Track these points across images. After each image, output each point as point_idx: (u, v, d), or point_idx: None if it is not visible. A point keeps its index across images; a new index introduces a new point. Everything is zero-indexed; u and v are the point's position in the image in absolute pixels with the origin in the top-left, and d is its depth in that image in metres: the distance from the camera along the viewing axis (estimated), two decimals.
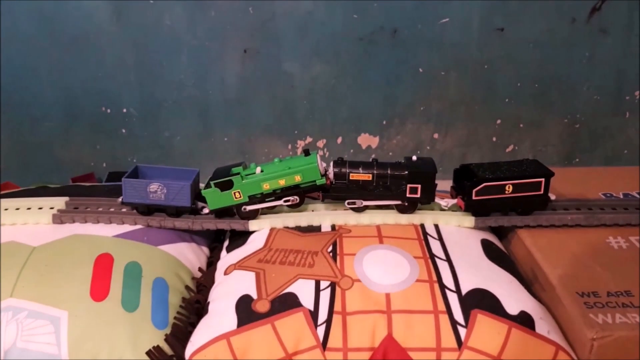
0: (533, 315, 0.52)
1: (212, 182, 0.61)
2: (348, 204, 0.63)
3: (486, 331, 0.50)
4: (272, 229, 0.62)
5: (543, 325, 0.52)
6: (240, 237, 0.63)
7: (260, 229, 0.62)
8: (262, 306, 0.50)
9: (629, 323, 0.50)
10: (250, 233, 0.62)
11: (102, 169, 1.00)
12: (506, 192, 0.62)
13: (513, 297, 0.54)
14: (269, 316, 0.50)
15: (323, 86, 0.96)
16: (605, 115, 1.02)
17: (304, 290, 0.52)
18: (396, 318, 0.50)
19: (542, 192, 0.63)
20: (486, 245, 0.61)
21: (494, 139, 1.04)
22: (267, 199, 0.62)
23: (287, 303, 0.51)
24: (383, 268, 0.54)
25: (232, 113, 0.98)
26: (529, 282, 0.59)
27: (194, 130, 0.99)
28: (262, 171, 0.62)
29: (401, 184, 0.61)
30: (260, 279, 0.53)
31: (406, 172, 0.61)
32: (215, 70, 0.94)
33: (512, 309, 0.52)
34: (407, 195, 0.62)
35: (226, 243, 0.64)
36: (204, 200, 0.62)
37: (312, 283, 0.52)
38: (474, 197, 0.61)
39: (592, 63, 0.97)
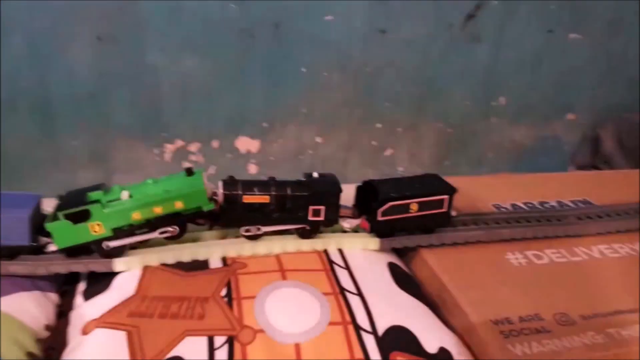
0: (452, 352, 0.47)
1: (60, 213, 0.47)
2: (245, 231, 0.53)
3: None
4: (145, 268, 0.49)
5: None
6: (102, 278, 0.49)
7: (129, 269, 0.49)
8: None
9: (545, 352, 0.47)
10: (115, 274, 0.49)
11: None
12: (411, 211, 0.57)
13: (429, 332, 0.48)
14: None
15: (196, 83, 0.84)
16: (474, 119, 1.05)
17: (193, 351, 0.41)
18: None
19: (445, 209, 0.59)
20: (393, 270, 0.56)
21: (374, 142, 1.01)
22: (137, 231, 0.50)
23: None
24: (290, 312, 0.45)
25: (82, 111, 0.82)
26: (437, 306, 0.55)
27: (31, 131, 0.81)
28: (130, 196, 0.49)
29: (302, 205, 0.53)
30: (134, 341, 0.41)
31: (308, 192, 0.53)
32: (61, 60, 0.77)
33: (431, 346, 0.47)
34: (310, 217, 0.54)
35: (82, 286, 0.50)
36: (48, 234, 0.48)
37: (204, 341, 0.42)
38: (379, 218, 0.55)
39: (465, 69, 0.98)
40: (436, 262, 0.58)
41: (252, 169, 0.94)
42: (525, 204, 0.72)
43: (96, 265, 0.49)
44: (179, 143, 0.88)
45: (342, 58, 0.90)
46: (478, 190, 0.74)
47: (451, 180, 0.61)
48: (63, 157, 0.84)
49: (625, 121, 1.02)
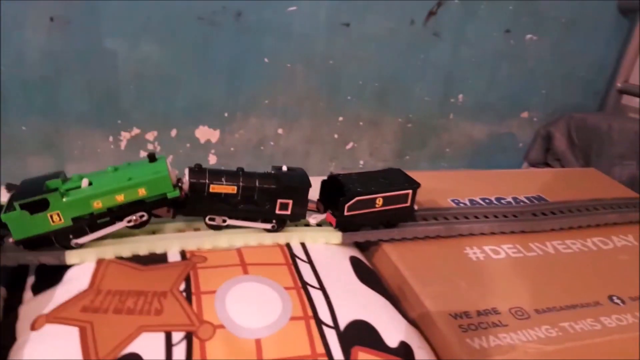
0: (412, 345, 0.48)
1: (16, 203, 0.44)
2: (209, 220, 0.52)
3: None
4: (99, 262, 0.47)
5: (422, 355, 0.47)
6: (53, 272, 0.47)
7: (83, 262, 0.47)
8: None
9: (502, 345, 0.48)
10: (67, 267, 0.47)
11: None
12: (377, 205, 0.57)
13: (390, 326, 0.49)
14: None
15: (155, 69, 0.81)
16: (433, 115, 1.06)
17: (150, 347, 0.39)
18: None
19: (409, 203, 0.59)
20: (355, 264, 0.56)
21: (336, 136, 1.01)
22: (99, 220, 0.47)
23: None
24: (251, 307, 0.44)
25: (33, 95, 0.78)
26: (398, 300, 0.55)
27: None
28: (90, 184, 0.46)
29: (270, 198, 0.52)
30: (87, 337, 0.39)
31: (276, 185, 0.52)
32: (10, 41, 0.73)
33: (392, 340, 0.47)
34: (277, 211, 0.53)
35: (31, 279, 0.48)
36: (4, 226, 0.45)
37: (162, 337, 0.40)
38: (346, 213, 0.55)
39: (426, 65, 0.99)
40: (397, 256, 0.59)
41: (212, 160, 0.92)
42: (482, 199, 0.73)
43: (47, 257, 0.46)
44: (136, 131, 0.85)
45: (305, 50, 0.89)
46: (437, 185, 0.75)
47: (411, 175, 0.61)
48: (13, 143, 0.80)
49: (576, 120, 1.05)
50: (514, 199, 0.74)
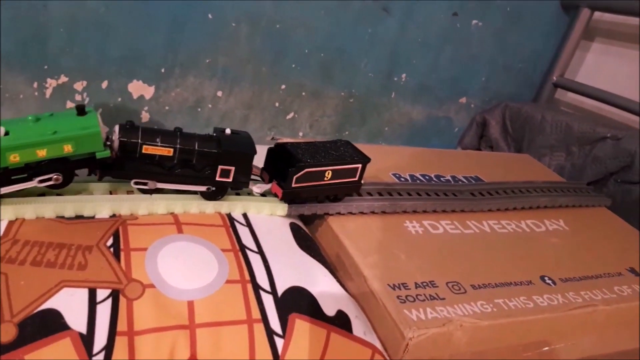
0: (349, 315, 0.47)
1: None
2: (135, 183, 0.47)
3: (305, 339, 0.42)
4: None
5: (359, 325, 0.47)
6: None
7: None
8: (5, 333, 0.33)
9: (439, 318, 0.48)
10: None
11: None
12: (325, 178, 0.55)
13: (329, 294, 0.47)
14: (16, 348, 0.33)
15: (89, 13, 0.74)
16: (376, 93, 1.06)
17: (71, 304, 0.36)
18: (201, 334, 0.38)
19: (357, 178, 0.58)
20: (295, 231, 0.54)
21: (277, 104, 0.98)
22: (13, 177, 0.42)
23: (45, 325, 0.34)
24: (184, 266, 0.41)
25: None
26: (335, 269, 0.54)
27: None
28: (7, 133, 0.41)
29: (210, 164, 0.48)
30: (1, 290, 0.35)
31: (218, 150, 0.48)
32: None
33: (329, 309, 0.46)
34: (217, 178, 0.49)
35: None
36: None
37: (85, 293, 0.37)
38: (293, 185, 0.52)
39: (372, 41, 0.98)
40: (339, 227, 0.57)
41: (145, 117, 0.86)
42: (422, 175, 0.73)
43: None
44: (63, 79, 0.78)
45: (252, 10, 0.85)
46: (378, 159, 0.74)
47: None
48: None
49: (511, 109, 1.08)
50: (453, 177, 0.75)
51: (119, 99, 0.83)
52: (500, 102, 1.11)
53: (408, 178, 0.72)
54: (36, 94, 0.77)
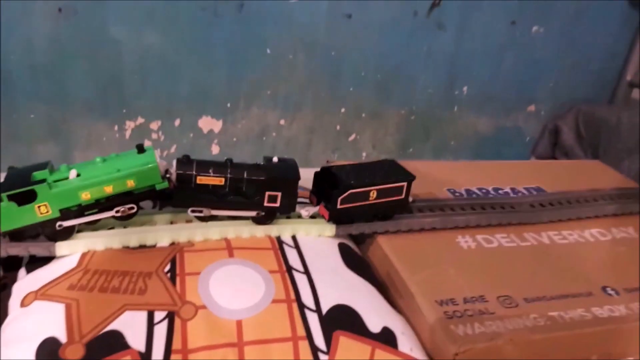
0: (395, 331, 0.48)
1: (4, 194, 0.44)
2: (192, 211, 0.51)
3: (349, 355, 0.44)
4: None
5: (405, 341, 0.48)
6: None
7: (72, 254, 0.48)
8: (73, 353, 0.38)
9: (487, 333, 0.48)
10: None
11: None
12: (370, 198, 0.57)
13: (374, 311, 0.49)
14: None
15: (158, 58, 0.82)
16: (437, 107, 1.06)
17: (132, 325, 0.41)
18: (249, 351, 0.42)
19: (403, 196, 0.59)
20: (344, 250, 0.56)
21: (338, 127, 1.01)
22: (87, 212, 0.48)
23: (109, 345, 0.39)
24: (233, 288, 0.45)
25: (41, 83, 0.80)
26: (386, 287, 0.56)
27: None
28: (78, 175, 0.47)
29: (258, 190, 0.52)
30: (72, 314, 0.41)
31: (265, 177, 0.52)
32: (20, 30, 0.75)
33: (374, 325, 0.47)
34: (265, 204, 0.53)
35: (26, 258, 0.49)
36: None
37: (144, 315, 0.42)
38: (339, 206, 0.55)
39: (429, 57, 0.99)
40: (387, 245, 0.59)
41: (215, 150, 0.93)
42: (479, 189, 0.73)
43: (37, 248, 0.47)
44: (140, 120, 0.86)
45: (307, 41, 0.89)
46: (434, 175, 0.75)
47: (407, 164, 0.61)
48: (21, 130, 0.82)
49: (584, 113, 1.04)
50: (512, 189, 0.74)
51: (191, 135, 0.90)
52: (573, 107, 1.07)
53: (463, 192, 0.72)
54: (117, 135, 0.86)
